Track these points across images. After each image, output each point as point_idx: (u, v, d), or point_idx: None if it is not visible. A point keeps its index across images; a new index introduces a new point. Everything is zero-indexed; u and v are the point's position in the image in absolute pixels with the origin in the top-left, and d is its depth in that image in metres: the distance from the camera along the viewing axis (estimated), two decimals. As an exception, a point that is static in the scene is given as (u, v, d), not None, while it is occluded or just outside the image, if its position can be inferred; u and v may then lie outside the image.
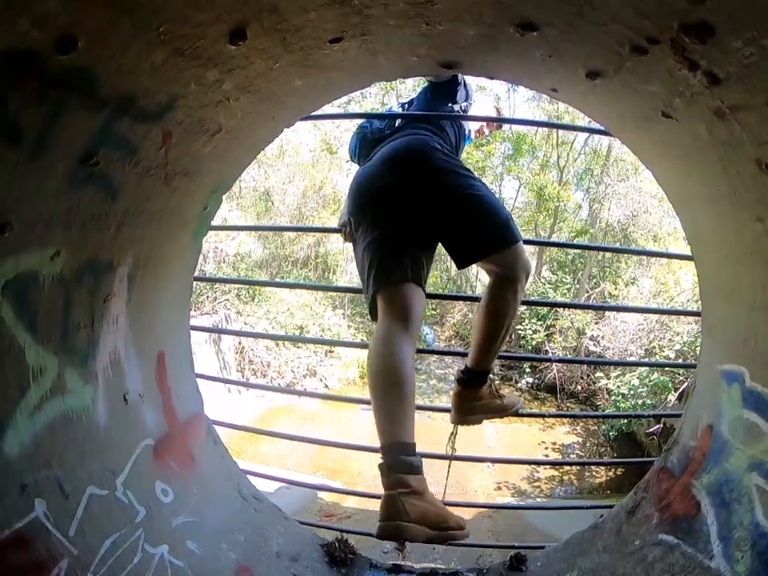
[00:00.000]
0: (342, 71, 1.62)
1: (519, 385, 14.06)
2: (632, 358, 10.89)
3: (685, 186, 1.78)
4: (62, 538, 1.29)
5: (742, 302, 1.63)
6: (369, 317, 2.05)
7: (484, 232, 1.97)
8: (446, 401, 13.12)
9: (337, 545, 2.17)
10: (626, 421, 10.10)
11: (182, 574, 1.64)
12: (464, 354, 2.20)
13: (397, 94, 17.13)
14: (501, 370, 14.69)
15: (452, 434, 2.28)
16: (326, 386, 13.57)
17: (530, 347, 13.75)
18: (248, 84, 1.42)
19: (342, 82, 1.80)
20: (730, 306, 1.73)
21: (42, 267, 1.22)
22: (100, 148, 1.19)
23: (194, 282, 2.35)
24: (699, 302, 2.01)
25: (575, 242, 15.60)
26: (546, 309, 14.08)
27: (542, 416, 11.31)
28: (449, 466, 2.39)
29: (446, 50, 1.51)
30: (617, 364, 12.49)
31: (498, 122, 2.54)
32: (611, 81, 1.40)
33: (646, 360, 10.67)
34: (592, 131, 2.64)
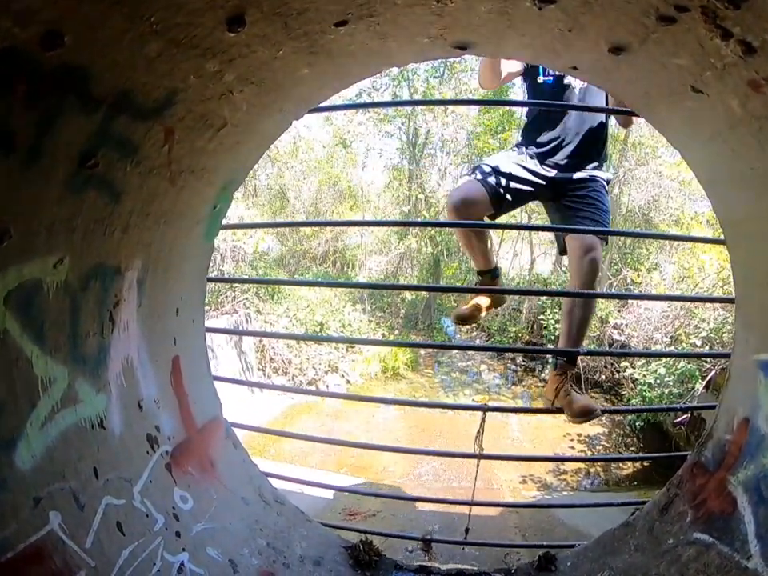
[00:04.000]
0: (349, 57, 1.55)
1: (543, 375, 13.92)
2: (657, 346, 10.65)
3: (716, 165, 1.69)
4: (79, 549, 1.27)
5: (781, 288, 1.53)
6: None
7: None
8: (469, 393, 13.07)
9: (361, 547, 2.14)
10: (652, 411, 9.94)
11: (202, 583, 1.61)
12: (484, 348, 2.15)
13: (410, 84, 16.93)
14: (524, 361, 14.58)
15: (479, 431, 2.24)
16: (348, 382, 13.56)
17: (552, 337, 13.57)
18: (251, 74, 1.36)
19: (351, 69, 1.73)
20: (767, 293, 1.63)
21: (45, 275, 1.18)
22: (98, 149, 1.14)
23: (213, 283, 2.33)
24: (724, 288, 1.92)
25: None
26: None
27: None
28: (477, 465, 2.33)
29: (459, 29, 1.43)
30: (643, 355, 12.23)
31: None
32: (636, 55, 1.31)
33: (672, 350, 10.43)
34: (614, 111, 2.54)
